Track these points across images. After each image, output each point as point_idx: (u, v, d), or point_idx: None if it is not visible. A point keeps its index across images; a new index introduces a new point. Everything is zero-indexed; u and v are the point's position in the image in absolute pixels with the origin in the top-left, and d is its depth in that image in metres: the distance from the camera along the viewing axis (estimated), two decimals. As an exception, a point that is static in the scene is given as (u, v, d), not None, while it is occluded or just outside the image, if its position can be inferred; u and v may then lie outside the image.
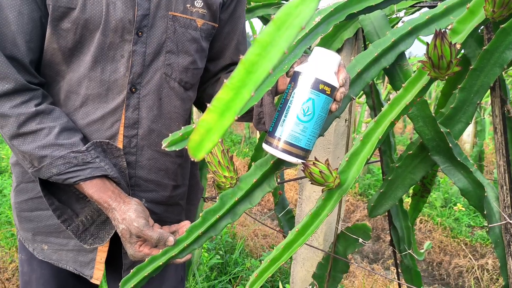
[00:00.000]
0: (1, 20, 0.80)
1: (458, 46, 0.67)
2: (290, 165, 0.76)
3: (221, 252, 2.41)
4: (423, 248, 1.73)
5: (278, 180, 1.69)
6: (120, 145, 0.92)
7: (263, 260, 2.44)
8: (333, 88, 0.71)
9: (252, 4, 1.49)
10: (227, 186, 0.77)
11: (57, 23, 0.84)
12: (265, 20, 1.56)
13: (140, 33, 0.89)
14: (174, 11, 0.91)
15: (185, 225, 0.84)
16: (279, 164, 0.78)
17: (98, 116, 0.90)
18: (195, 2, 0.94)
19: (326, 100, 0.71)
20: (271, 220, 3.76)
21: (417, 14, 1.14)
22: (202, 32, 0.96)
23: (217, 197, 0.77)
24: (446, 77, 0.65)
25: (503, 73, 1.06)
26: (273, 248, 2.54)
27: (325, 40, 1.22)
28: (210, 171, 0.76)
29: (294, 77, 0.73)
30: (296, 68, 0.74)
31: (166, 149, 0.77)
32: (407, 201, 3.44)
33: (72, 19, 0.84)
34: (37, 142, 0.82)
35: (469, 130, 5.99)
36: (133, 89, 0.91)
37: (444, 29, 0.60)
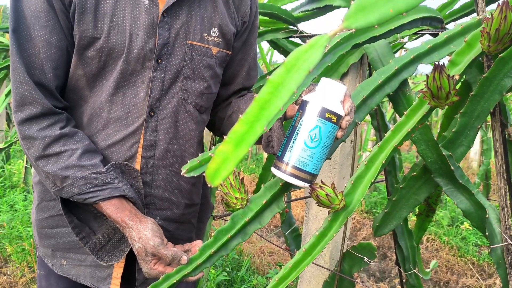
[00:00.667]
0: (31, 49, 0.86)
1: (456, 77, 0.71)
2: (298, 187, 0.80)
3: (227, 269, 2.43)
4: (429, 267, 1.74)
5: (285, 199, 1.72)
6: (138, 166, 0.97)
7: (269, 277, 2.45)
8: (338, 117, 0.75)
9: (262, 28, 1.55)
10: (237, 207, 0.80)
11: (83, 52, 0.90)
12: (273, 43, 1.62)
13: (159, 61, 0.94)
14: (192, 40, 0.97)
15: (198, 244, 0.88)
16: (288, 186, 0.82)
17: (119, 138, 0.95)
18: (211, 31, 1.00)
19: (332, 127, 0.75)
20: (277, 237, 3.77)
21: (419, 40, 1.18)
22: (216, 59, 1.02)
23: (226, 215, 0.81)
24: (446, 106, 0.69)
25: (506, 96, 1.10)
26: (279, 266, 2.56)
27: (331, 65, 1.27)
28: (220, 190, 0.80)
29: (302, 105, 0.78)
30: (304, 97, 0.78)
31: (186, 175, 0.82)
32: (413, 219, 3.43)
33: (97, 47, 0.90)
34: (60, 163, 0.87)
35: (476, 148, 5.99)
36: (152, 113, 0.96)
37: (442, 63, 0.65)
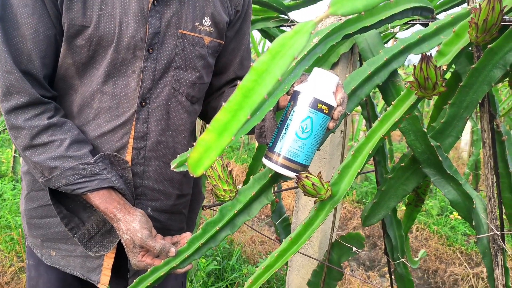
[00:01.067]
0: (18, 37, 0.84)
1: (444, 68, 0.71)
2: (287, 178, 0.80)
3: (218, 258, 2.44)
4: (418, 256, 1.76)
5: (276, 189, 1.72)
6: (129, 157, 0.96)
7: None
8: (330, 107, 0.75)
9: (253, 17, 1.53)
10: (226, 199, 0.80)
11: (72, 40, 0.88)
12: (264, 32, 1.60)
13: (151, 50, 0.93)
14: (184, 29, 0.96)
15: (187, 236, 0.87)
16: (277, 178, 0.81)
17: (109, 128, 0.94)
18: (203, 20, 0.98)
19: (324, 118, 0.75)
20: (269, 226, 3.79)
21: (410, 30, 1.18)
22: (209, 49, 1.01)
23: (215, 205, 0.81)
24: (433, 96, 0.69)
25: (496, 87, 1.10)
26: (269, 255, 2.56)
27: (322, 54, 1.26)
28: (211, 184, 0.79)
29: (294, 96, 0.77)
30: (296, 88, 0.78)
31: (175, 170, 0.81)
32: (403, 209, 3.47)
33: (86, 36, 0.88)
34: (48, 154, 0.86)
35: (466, 139, 6.05)
36: (143, 103, 0.95)
37: (430, 53, 0.64)
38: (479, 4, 0.65)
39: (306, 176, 0.70)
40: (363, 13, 0.87)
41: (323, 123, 0.74)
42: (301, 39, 0.40)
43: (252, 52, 3.01)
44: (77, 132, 0.91)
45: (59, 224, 0.97)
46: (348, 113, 0.88)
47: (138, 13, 0.90)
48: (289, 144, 0.73)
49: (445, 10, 1.22)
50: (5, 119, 0.87)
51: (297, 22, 1.52)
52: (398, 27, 1.36)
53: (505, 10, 0.69)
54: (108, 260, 0.99)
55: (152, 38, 0.92)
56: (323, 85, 0.75)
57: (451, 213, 4.06)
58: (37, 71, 0.87)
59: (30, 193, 1.01)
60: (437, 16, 1.14)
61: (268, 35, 1.61)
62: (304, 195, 0.71)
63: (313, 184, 0.69)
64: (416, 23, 1.20)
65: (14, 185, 3.64)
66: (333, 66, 1.29)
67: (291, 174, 0.73)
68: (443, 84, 0.67)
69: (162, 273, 0.79)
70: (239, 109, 0.43)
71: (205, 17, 0.98)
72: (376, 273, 3.16)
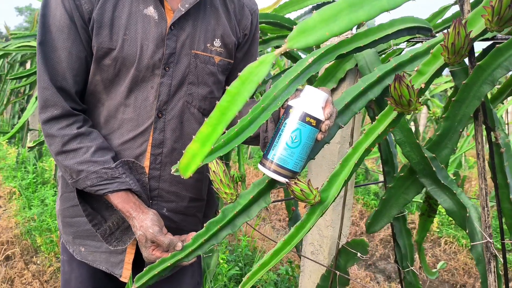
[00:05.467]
0: (55, 59, 0.99)
1: (422, 86, 0.78)
2: (282, 184, 0.88)
3: (240, 264, 2.53)
4: (436, 268, 1.78)
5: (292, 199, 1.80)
6: (147, 162, 1.08)
7: (280, 273, 2.52)
8: (318, 121, 0.84)
9: (268, 36, 1.64)
10: (228, 202, 0.90)
11: (100, 60, 1.02)
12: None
13: (167, 68, 1.05)
14: (196, 50, 1.07)
15: (192, 234, 0.98)
16: (273, 184, 0.90)
17: (131, 136, 1.07)
18: (214, 42, 1.10)
19: (312, 130, 0.83)
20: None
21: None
22: (219, 67, 1.12)
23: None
24: (412, 112, 0.76)
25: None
26: (289, 262, 2.62)
27: (328, 71, 1.35)
28: (213, 188, 0.89)
29: (287, 109, 0.86)
30: (289, 102, 0.87)
31: (175, 174, 0.92)
32: (411, 219, 3.40)
33: (112, 57, 1.01)
34: (76, 159, 0.99)
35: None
36: (160, 115, 1.07)
37: (402, 73, 0.72)
38: (447, 30, 0.72)
39: (295, 182, 0.79)
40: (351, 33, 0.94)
41: (311, 134, 0.83)
42: (264, 68, 0.50)
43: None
44: (101, 140, 1.04)
45: (87, 223, 1.10)
46: (342, 126, 0.96)
47: (157, 37, 1.02)
48: (280, 152, 0.82)
49: (447, 28, 1.27)
50: (41, 128, 1.02)
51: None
52: (405, 44, 1.42)
53: (473, 35, 0.75)
54: (129, 256, 1.11)
55: (169, 58, 1.04)
56: (313, 101, 0.84)
57: (497, 229, 3.96)
58: (70, 87, 1.01)
59: (64, 195, 1.15)
60: (437, 35, 1.19)
61: (284, 52, 1.71)
62: (295, 199, 0.80)
63: (301, 190, 0.78)
64: (421, 40, 1.26)
65: (55, 191, 3.90)
66: (340, 82, 1.37)
67: (282, 179, 0.82)
68: (419, 101, 0.74)
69: (169, 264, 0.89)
70: (218, 124, 0.53)
71: (216, 39, 1.09)
72: (398, 285, 3.14)
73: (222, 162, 0.89)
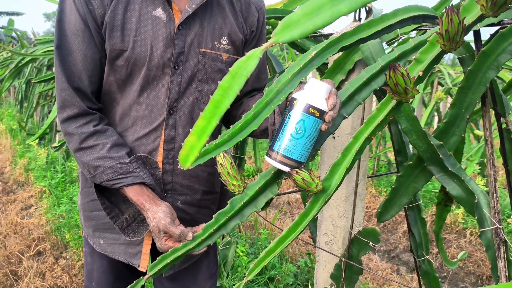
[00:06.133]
0: (71, 61, 1.04)
1: (420, 74, 0.79)
2: (287, 174, 0.91)
3: (260, 257, 2.57)
4: (457, 257, 1.77)
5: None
6: (160, 157, 1.13)
7: (299, 265, 2.55)
8: (321, 112, 0.86)
9: (278, 30, 1.66)
10: (236, 193, 0.93)
11: (113, 61, 1.07)
12: (292, 43, 1.72)
13: (176, 67, 1.09)
14: (204, 48, 1.11)
15: (202, 225, 1.02)
16: (279, 175, 0.93)
17: (144, 133, 1.12)
18: (221, 39, 1.13)
19: (316, 121, 0.86)
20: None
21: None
22: (227, 64, 1.16)
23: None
24: (410, 99, 0.77)
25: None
26: (308, 254, 2.64)
27: (337, 63, 1.36)
28: (221, 179, 0.93)
29: (291, 101, 0.89)
30: (293, 95, 0.89)
31: (181, 168, 0.96)
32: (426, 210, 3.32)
33: (124, 58, 1.06)
34: (93, 155, 1.05)
35: None
36: (171, 112, 1.12)
37: (397, 62, 0.73)
38: (440, 17, 0.73)
39: (296, 172, 0.81)
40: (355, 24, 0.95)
41: (315, 125, 0.85)
42: (252, 63, 0.53)
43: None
44: (117, 137, 1.09)
45: (105, 216, 1.16)
46: (346, 116, 0.97)
47: (166, 37, 1.07)
48: (285, 143, 0.85)
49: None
50: (60, 127, 1.08)
51: (320, 32, 1.63)
52: (415, 32, 1.42)
53: (469, 21, 0.75)
54: (146, 247, 1.16)
55: (178, 57, 1.08)
56: (316, 93, 0.86)
57: (508, 216, 3.86)
58: (86, 87, 1.07)
59: (84, 190, 1.21)
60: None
61: (295, 45, 1.73)
62: (297, 189, 0.82)
63: (303, 179, 0.80)
64: (425, 29, 1.26)
65: (82, 188, 4.05)
66: (349, 73, 1.38)
67: (287, 169, 0.85)
68: (416, 88, 0.75)
69: (180, 253, 0.94)
70: (212, 117, 0.56)
71: (223, 37, 1.13)
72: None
73: (229, 155, 0.93)
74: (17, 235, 3.32)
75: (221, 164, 0.91)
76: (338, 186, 0.84)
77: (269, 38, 1.65)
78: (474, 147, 3.54)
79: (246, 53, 1.19)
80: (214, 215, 0.93)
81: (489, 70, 0.96)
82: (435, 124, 5.90)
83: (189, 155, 0.57)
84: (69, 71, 1.05)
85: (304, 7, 0.51)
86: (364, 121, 0.85)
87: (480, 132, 3.83)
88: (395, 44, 1.39)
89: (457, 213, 4.05)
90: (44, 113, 5.26)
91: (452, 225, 4.02)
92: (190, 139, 0.57)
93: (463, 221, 3.98)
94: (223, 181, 0.93)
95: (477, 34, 1.06)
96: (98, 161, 1.04)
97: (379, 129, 0.83)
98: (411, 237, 1.47)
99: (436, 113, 4.77)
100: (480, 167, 4.02)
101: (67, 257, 3.04)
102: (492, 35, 1.07)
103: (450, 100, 6.20)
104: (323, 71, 1.44)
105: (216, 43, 1.12)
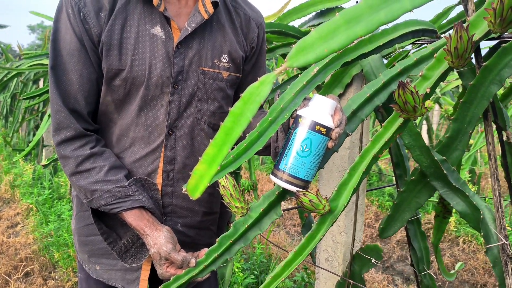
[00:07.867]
0: (67, 82, 1.01)
1: (427, 91, 0.78)
2: (293, 194, 0.89)
3: (256, 272, 2.53)
4: (454, 269, 1.75)
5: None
6: (160, 179, 1.09)
7: (296, 280, 2.51)
8: (328, 129, 0.84)
9: (273, 44, 1.65)
10: (239, 215, 0.90)
11: (110, 81, 1.04)
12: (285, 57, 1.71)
13: (176, 86, 1.06)
14: (204, 66, 1.08)
15: (205, 250, 0.98)
16: (284, 195, 0.90)
17: (142, 154, 1.08)
18: (221, 58, 1.11)
19: (322, 139, 0.84)
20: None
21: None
22: (227, 82, 1.13)
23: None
24: (418, 117, 0.76)
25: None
26: (305, 269, 2.60)
27: (334, 77, 1.35)
28: (224, 202, 0.90)
29: (296, 119, 0.87)
30: (298, 112, 0.87)
31: (186, 192, 0.93)
32: (426, 219, 3.33)
33: (122, 77, 1.03)
34: (90, 178, 1.01)
35: None
36: (170, 132, 1.08)
37: (406, 80, 0.71)
38: (449, 34, 0.72)
39: (304, 193, 0.79)
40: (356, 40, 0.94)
41: (321, 143, 0.83)
42: (265, 88, 0.50)
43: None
44: (114, 159, 1.05)
45: (102, 241, 1.11)
46: (350, 133, 0.96)
47: (165, 55, 1.04)
48: (291, 162, 0.83)
49: (453, 28, 1.26)
50: (56, 150, 1.04)
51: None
52: (411, 45, 1.42)
53: (476, 37, 0.75)
54: (145, 273, 1.12)
55: (177, 76, 1.05)
56: (321, 109, 0.84)
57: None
58: (82, 108, 1.03)
59: (78, 214, 1.17)
60: (447, 34, 1.19)
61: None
62: (304, 211, 0.80)
63: (310, 201, 0.78)
64: (425, 43, 1.25)
65: (71, 206, 3.96)
66: (346, 87, 1.37)
67: (294, 189, 0.82)
68: (425, 106, 0.73)
69: (183, 281, 0.90)
70: (223, 144, 0.53)
71: (223, 55, 1.10)
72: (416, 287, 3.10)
73: (232, 177, 0.90)
74: (3, 255, 3.21)
75: (223, 186, 0.88)
76: (345, 207, 0.82)
77: (270, 49, 1.62)
78: (464, 155, 3.57)
79: (246, 68, 1.21)
80: (217, 239, 0.90)
81: (491, 85, 0.95)
82: (423, 133, 5.95)
83: (198, 184, 0.55)
84: (64, 92, 1.01)
85: (319, 29, 0.49)
86: (371, 139, 0.83)
87: (470, 141, 3.87)
88: (392, 56, 1.39)
89: (450, 221, 4.06)
90: (30, 127, 5.16)
91: (445, 234, 4.03)
92: (199, 167, 0.54)
93: (455, 229, 4.00)
94: (225, 204, 0.90)
95: (477, 48, 1.05)
96: (95, 185, 1.00)
97: (386, 147, 0.81)
98: (412, 251, 1.45)
99: (425, 122, 4.81)
100: (470, 175, 4.05)
101: (56, 277, 2.94)
102: (491, 49, 1.07)
103: (437, 108, 6.27)
104: (320, 86, 1.42)
105: (216, 61, 1.10)
